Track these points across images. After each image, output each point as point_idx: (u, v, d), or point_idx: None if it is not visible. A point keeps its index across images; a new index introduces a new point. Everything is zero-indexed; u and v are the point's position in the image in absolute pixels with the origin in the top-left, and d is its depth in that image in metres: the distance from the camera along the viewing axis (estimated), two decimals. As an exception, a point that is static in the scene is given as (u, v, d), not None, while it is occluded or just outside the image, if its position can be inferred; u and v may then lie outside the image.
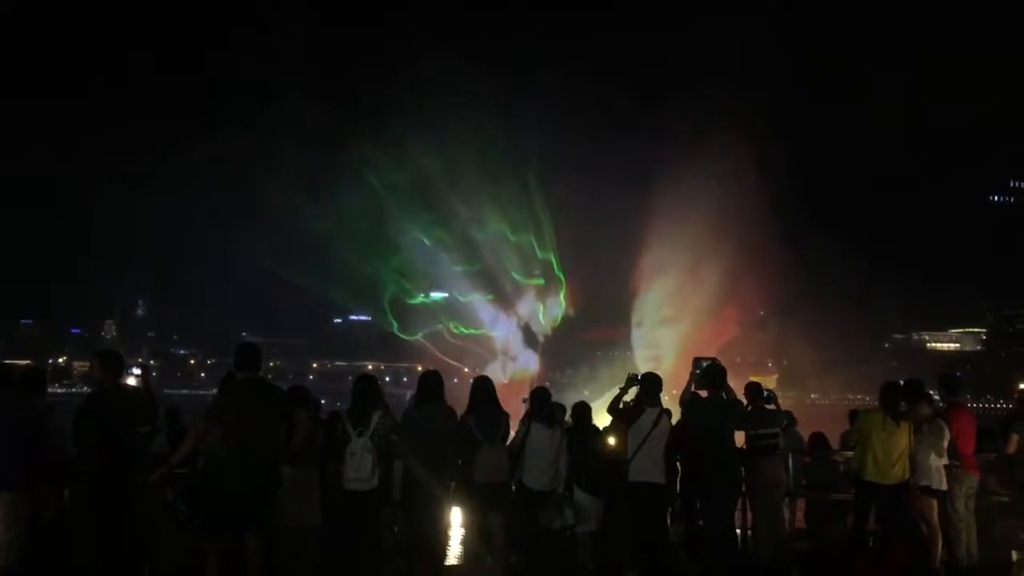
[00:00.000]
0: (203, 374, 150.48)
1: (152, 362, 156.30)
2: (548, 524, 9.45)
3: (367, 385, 8.98)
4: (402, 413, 9.17)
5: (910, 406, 9.83)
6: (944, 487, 9.80)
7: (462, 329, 56.21)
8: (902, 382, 10.39)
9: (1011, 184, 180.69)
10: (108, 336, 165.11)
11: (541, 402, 9.73)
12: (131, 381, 11.63)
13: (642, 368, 20.29)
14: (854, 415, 11.98)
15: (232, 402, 7.89)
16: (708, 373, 10.13)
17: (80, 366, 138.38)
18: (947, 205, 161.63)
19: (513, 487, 9.52)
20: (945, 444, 9.70)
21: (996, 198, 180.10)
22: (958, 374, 13.52)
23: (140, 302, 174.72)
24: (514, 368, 55.41)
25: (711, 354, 14.47)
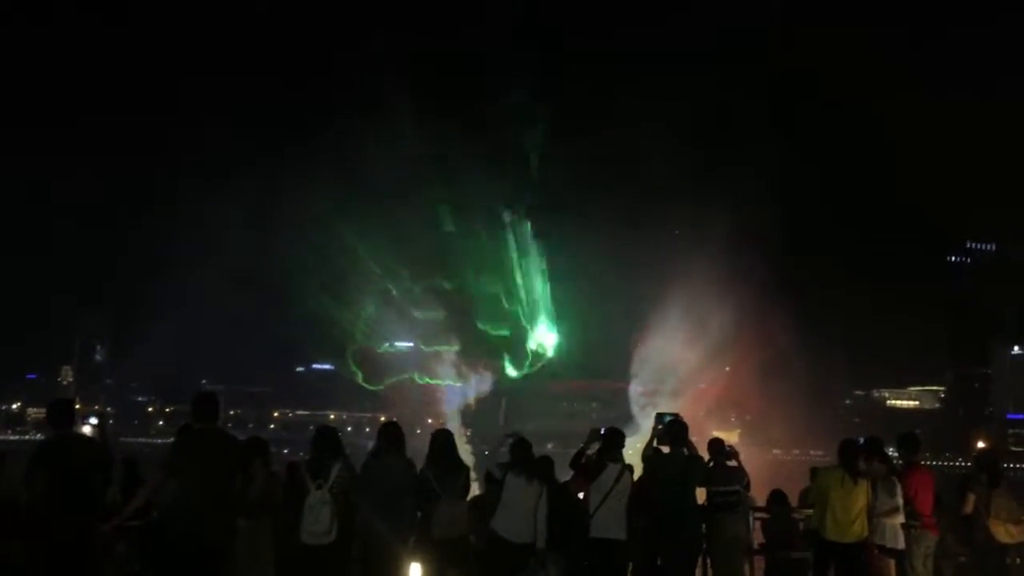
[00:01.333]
0: (161, 422, 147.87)
1: (109, 409, 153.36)
2: None
3: (327, 436, 8.88)
4: (360, 465, 9.06)
5: (869, 464, 9.90)
6: (901, 546, 9.83)
7: (427, 379, 55.86)
8: (861, 439, 10.47)
9: (968, 245, 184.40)
10: (65, 382, 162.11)
11: (519, 453, 9.60)
12: (86, 429, 11.43)
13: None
14: (815, 472, 11.96)
15: (188, 454, 7.77)
16: (670, 429, 10.15)
17: (35, 412, 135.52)
18: (906, 264, 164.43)
19: (472, 539, 9.39)
20: (898, 503, 9.75)
21: (954, 258, 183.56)
22: (917, 431, 13.61)
23: (98, 347, 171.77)
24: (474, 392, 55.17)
25: (676, 409, 14.51)
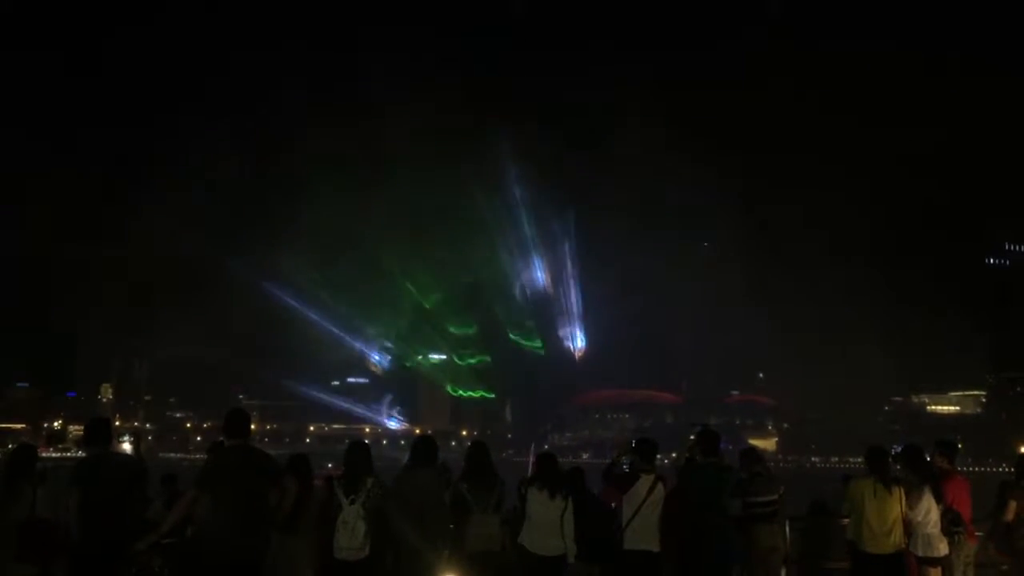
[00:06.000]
0: (199, 438, 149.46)
1: (148, 425, 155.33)
2: None
3: (359, 451, 8.92)
4: (393, 478, 9.09)
5: (911, 472, 9.76)
6: (939, 554, 9.65)
7: (460, 392, 56.01)
8: (899, 447, 10.31)
9: (1008, 247, 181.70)
10: (104, 399, 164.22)
11: (543, 468, 9.54)
12: (125, 447, 11.55)
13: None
14: (846, 482, 11.70)
15: (221, 470, 7.84)
16: (702, 439, 10.05)
17: (76, 430, 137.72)
18: (945, 268, 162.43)
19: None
20: (933, 511, 9.56)
21: (993, 261, 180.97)
22: (958, 437, 13.40)
23: (137, 364, 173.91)
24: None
25: (711, 417, 14.40)
